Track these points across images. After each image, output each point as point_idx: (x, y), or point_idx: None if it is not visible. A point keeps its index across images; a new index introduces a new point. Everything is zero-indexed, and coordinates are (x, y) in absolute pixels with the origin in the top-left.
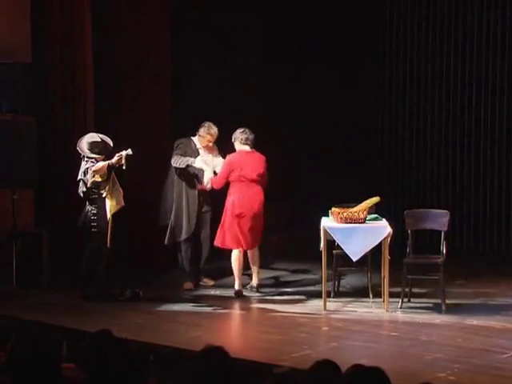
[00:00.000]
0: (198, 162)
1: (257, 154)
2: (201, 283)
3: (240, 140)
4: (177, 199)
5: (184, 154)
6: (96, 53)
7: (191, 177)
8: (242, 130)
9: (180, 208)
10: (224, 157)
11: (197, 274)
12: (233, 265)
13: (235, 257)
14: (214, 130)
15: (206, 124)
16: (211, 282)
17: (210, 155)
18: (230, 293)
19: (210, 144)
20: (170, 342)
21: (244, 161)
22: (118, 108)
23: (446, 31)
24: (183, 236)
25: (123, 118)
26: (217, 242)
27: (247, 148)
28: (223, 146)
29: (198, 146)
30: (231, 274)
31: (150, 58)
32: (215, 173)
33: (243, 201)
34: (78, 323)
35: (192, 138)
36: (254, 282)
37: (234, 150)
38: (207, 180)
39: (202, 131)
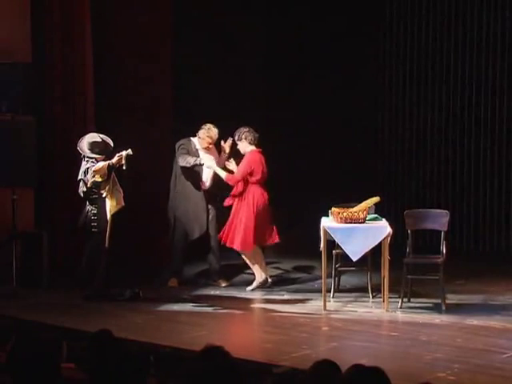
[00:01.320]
0: (205, 161)
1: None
2: (214, 284)
3: (250, 140)
4: (184, 198)
5: (188, 154)
6: (96, 53)
7: (196, 176)
8: (247, 128)
9: (187, 209)
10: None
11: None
12: (255, 259)
13: (257, 251)
14: (214, 132)
15: (207, 126)
16: (224, 283)
17: (212, 156)
18: (230, 293)
19: (210, 146)
20: (170, 342)
21: (260, 163)
22: (117, 108)
23: (446, 31)
24: (196, 234)
25: (123, 118)
26: (243, 247)
27: (255, 148)
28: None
29: (198, 147)
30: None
31: (150, 58)
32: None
33: (261, 201)
34: (78, 323)
35: (192, 138)
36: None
37: (237, 150)
38: (206, 178)
39: (201, 133)
